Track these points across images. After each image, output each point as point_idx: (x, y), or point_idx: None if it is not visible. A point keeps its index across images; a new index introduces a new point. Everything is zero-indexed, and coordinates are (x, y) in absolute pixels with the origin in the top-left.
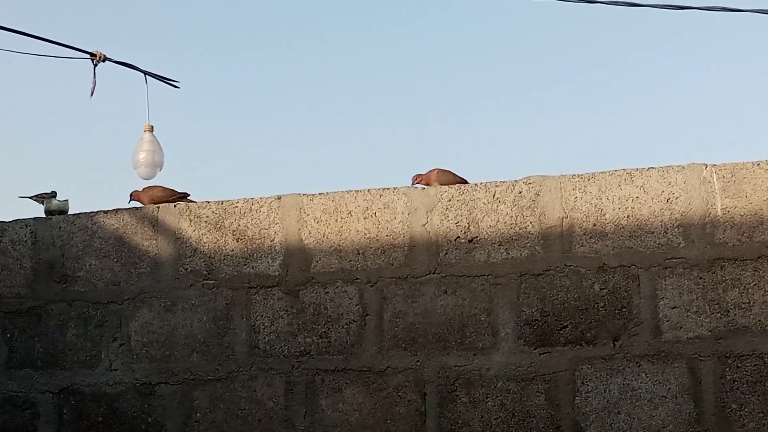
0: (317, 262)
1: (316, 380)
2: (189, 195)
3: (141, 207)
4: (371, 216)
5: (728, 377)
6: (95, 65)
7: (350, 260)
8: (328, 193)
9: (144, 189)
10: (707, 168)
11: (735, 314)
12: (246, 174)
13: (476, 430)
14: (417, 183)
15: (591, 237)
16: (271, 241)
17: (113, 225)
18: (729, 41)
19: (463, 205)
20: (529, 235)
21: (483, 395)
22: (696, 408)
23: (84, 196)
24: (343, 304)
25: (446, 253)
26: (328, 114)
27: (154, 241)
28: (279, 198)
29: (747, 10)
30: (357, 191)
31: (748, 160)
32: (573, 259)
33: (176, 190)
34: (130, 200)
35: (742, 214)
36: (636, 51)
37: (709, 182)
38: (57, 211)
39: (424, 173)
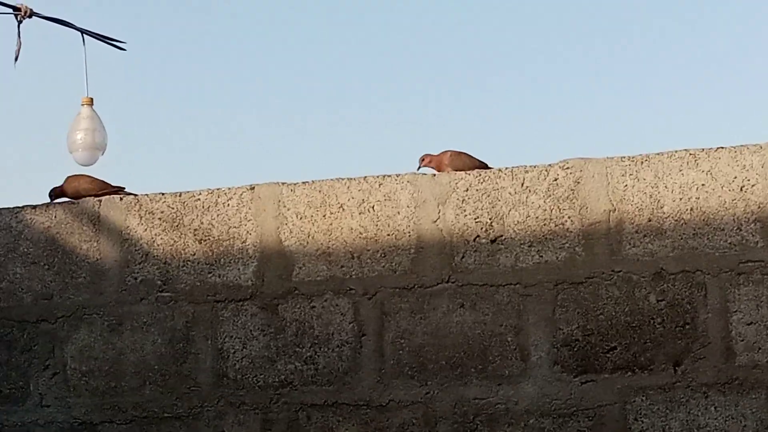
0: (300, 268)
1: (300, 417)
2: (124, 189)
3: (79, 201)
4: (368, 210)
5: None
6: (19, 22)
7: (342, 266)
8: (313, 181)
9: (67, 179)
10: None
11: None
12: (210, 161)
13: None
14: (425, 165)
15: (645, 235)
16: (243, 242)
17: (44, 224)
18: None
19: (484, 196)
20: (568, 234)
21: None
22: None
23: (6, 187)
24: (334, 322)
25: (463, 257)
26: (312, 88)
27: (95, 244)
28: (252, 188)
29: None
30: (350, 179)
31: None
32: (623, 264)
33: (108, 182)
34: (52, 199)
35: None
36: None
37: None
38: None
39: (435, 154)
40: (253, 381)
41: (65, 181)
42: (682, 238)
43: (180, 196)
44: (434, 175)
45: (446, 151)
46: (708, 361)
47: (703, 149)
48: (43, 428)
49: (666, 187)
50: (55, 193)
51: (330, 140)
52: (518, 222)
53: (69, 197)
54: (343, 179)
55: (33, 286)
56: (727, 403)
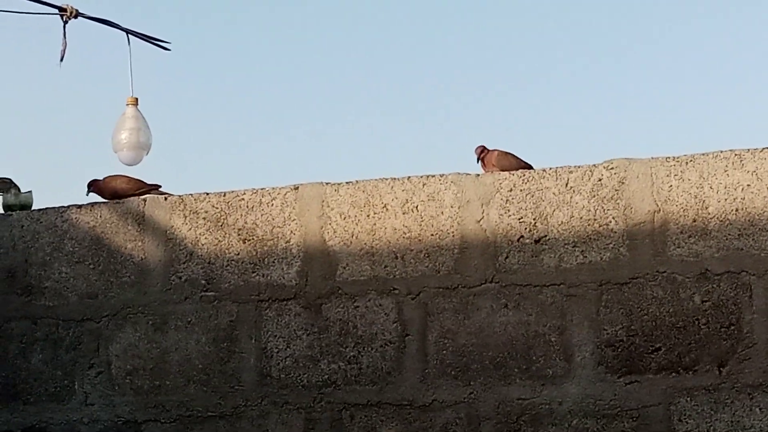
0: (344, 268)
1: (344, 417)
2: (161, 186)
3: (124, 201)
4: (412, 210)
5: None
6: (65, 22)
7: (386, 266)
8: (357, 181)
9: (104, 179)
10: None
11: None
12: (255, 161)
13: None
14: (480, 155)
15: (690, 236)
16: (287, 242)
17: (89, 223)
18: None
19: (528, 197)
20: (612, 234)
21: None
22: None
23: (52, 187)
24: (377, 322)
25: (507, 257)
26: (357, 87)
27: (139, 243)
28: (296, 188)
29: None
30: (394, 179)
31: None
32: (667, 264)
33: (144, 181)
34: (89, 192)
35: None
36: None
37: None
38: (18, 206)
39: (489, 149)
40: (297, 380)
41: (103, 181)
42: (727, 239)
43: (224, 195)
44: (478, 175)
45: (494, 150)
46: (753, 362)
47: (748, 149)
48: (87, 426)
49: (711, 187)
50: (96, 186)
51: (374, 140)
52: (562, 222)
53: (107, 197)
54: (386, 179)
55: (78, 285)
56: None
